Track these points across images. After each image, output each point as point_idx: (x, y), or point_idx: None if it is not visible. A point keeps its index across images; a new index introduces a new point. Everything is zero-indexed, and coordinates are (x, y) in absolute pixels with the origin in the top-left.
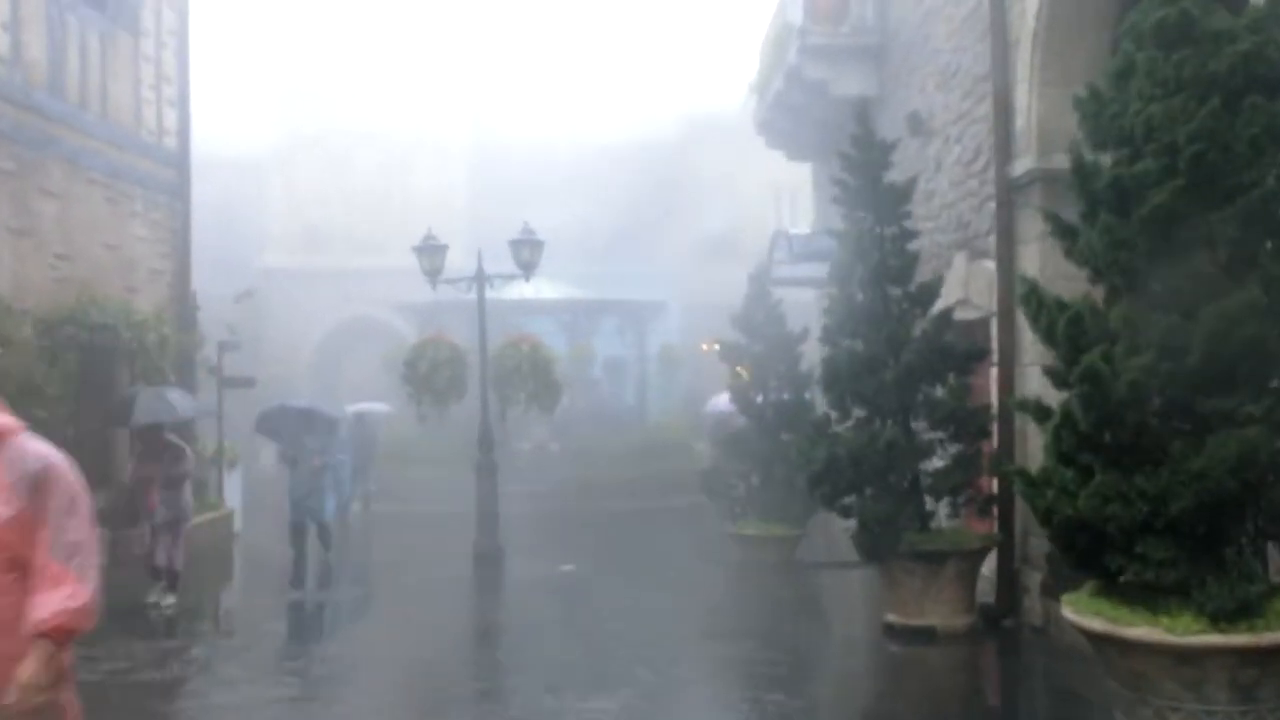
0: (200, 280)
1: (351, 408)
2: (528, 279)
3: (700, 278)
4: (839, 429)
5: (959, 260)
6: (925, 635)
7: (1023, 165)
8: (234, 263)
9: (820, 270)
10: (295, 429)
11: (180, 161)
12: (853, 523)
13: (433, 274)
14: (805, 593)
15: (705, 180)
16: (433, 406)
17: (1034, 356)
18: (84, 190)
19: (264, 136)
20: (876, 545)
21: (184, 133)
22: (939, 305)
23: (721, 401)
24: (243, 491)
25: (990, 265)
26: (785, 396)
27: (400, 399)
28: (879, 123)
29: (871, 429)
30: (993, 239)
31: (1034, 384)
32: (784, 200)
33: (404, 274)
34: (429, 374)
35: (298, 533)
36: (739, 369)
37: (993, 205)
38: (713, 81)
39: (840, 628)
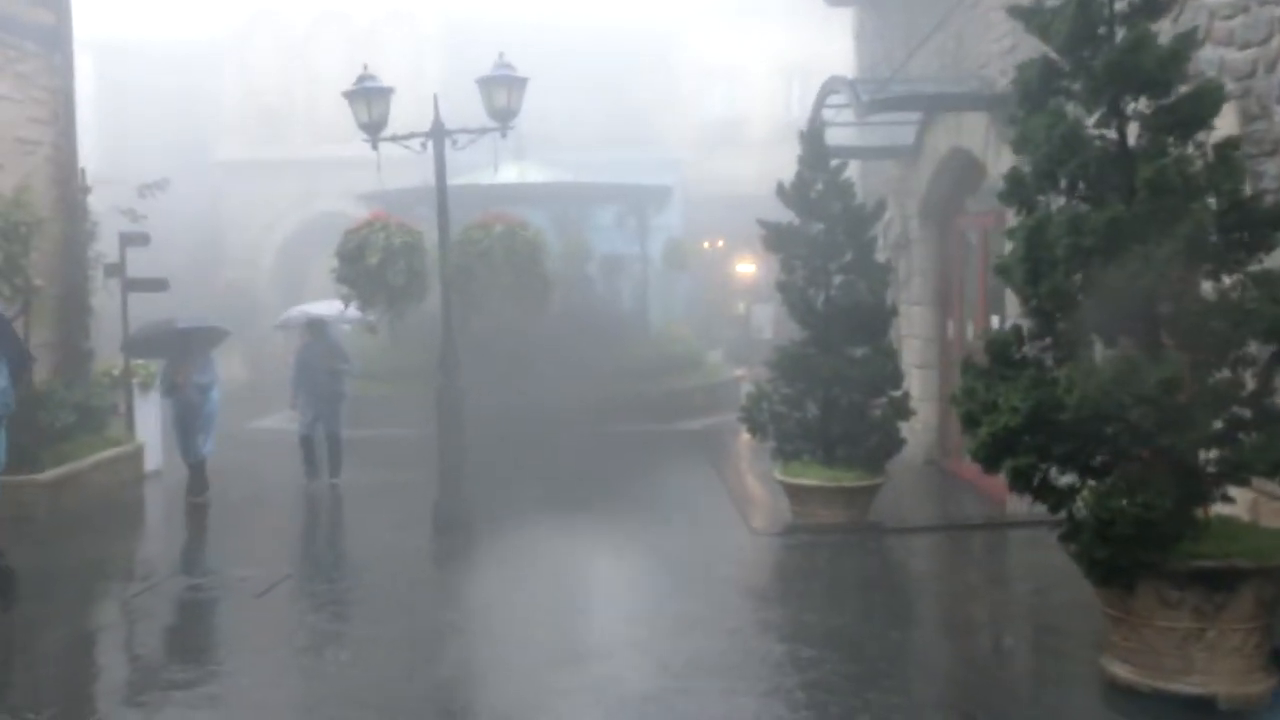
0: (150, 175)
1: (302, 310)
2: (504, 134)
3: (701, 169)
4: (1034, 353)
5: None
6: (1197, 710)
7: None
8: (188, 155)
9: (894, 134)
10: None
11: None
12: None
13: (372, 128)
14: (914, 589)
15: (705, 64)
16: (387, 311)
17: None
18: None
19: (217, 15)
20: (1124, 562)
21: None
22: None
23: None
24: (163, 420)
25: None
26: (855, 297)
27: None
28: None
29: (1130, 358)
30: None
31: None
32: (794, 82)
33: (374, 164)
34: (380, 268)
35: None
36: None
37: None
38: None
39: (1011, 672)
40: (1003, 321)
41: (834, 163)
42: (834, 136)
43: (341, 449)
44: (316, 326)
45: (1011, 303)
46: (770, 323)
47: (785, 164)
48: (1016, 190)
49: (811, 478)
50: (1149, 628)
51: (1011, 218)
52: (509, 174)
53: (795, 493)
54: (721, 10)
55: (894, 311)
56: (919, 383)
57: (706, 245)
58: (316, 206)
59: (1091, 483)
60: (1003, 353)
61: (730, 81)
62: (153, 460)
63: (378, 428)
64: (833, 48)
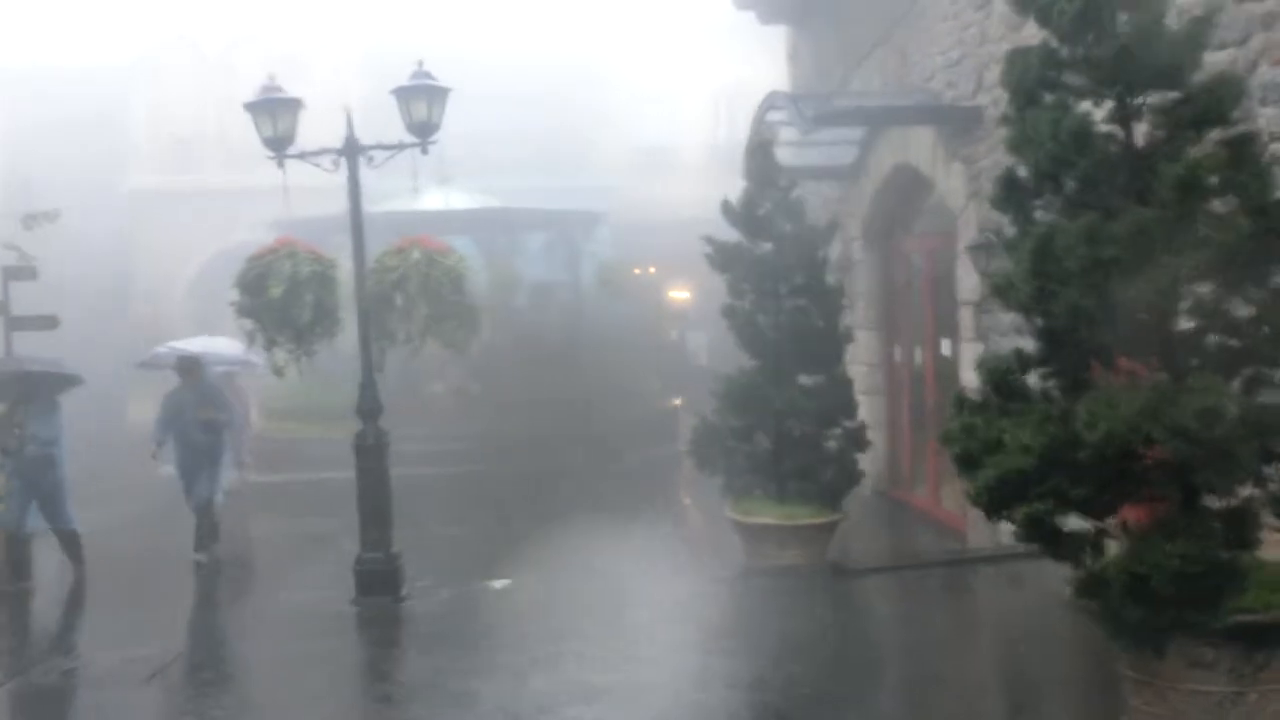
0: (54, 207)
1: (171, 346)
2: (425, 149)
3: (632, 194)
4: (1042, 383)
5: None
6: None
7: None
8: (98, 186)
9: (832, 155)
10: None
11: None
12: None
13: (277, 143)
14: (889, 642)
15: (635, 88)
16: (294, 351)
17: None
18: None
19: (129, 39)
20: (1162, 624)
21: None
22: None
23: None
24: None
25: None
26: (807, 322)
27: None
28: None
29: (1158, 387)
30: None
31: None
32: (724, 105)
33: (294, 192)
34: (287, 303)
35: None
36: None
37: None
38: None
39: None
40: (954, 345)
41: (783, 182)
42: (798, 155)
43: (215, 519)
44: (187, 367)
45: (965, 326)
46: (704, 349)
47: (716, 188)
48: (1011, 196)
49: (766, 516)
50: (1175, 691)
51: (967, 237)
52: (433, 200)
53: (749, 532)
54: (650, 34)
55: (848, 337)
56: (866, 410)
57: (638, 271)
58: (232, 238)
59: (1101, 526)
60: (1003, 382)
61: (661, 105)
62: (30, 522)
63: (298, 472)
64: (764, 70)
